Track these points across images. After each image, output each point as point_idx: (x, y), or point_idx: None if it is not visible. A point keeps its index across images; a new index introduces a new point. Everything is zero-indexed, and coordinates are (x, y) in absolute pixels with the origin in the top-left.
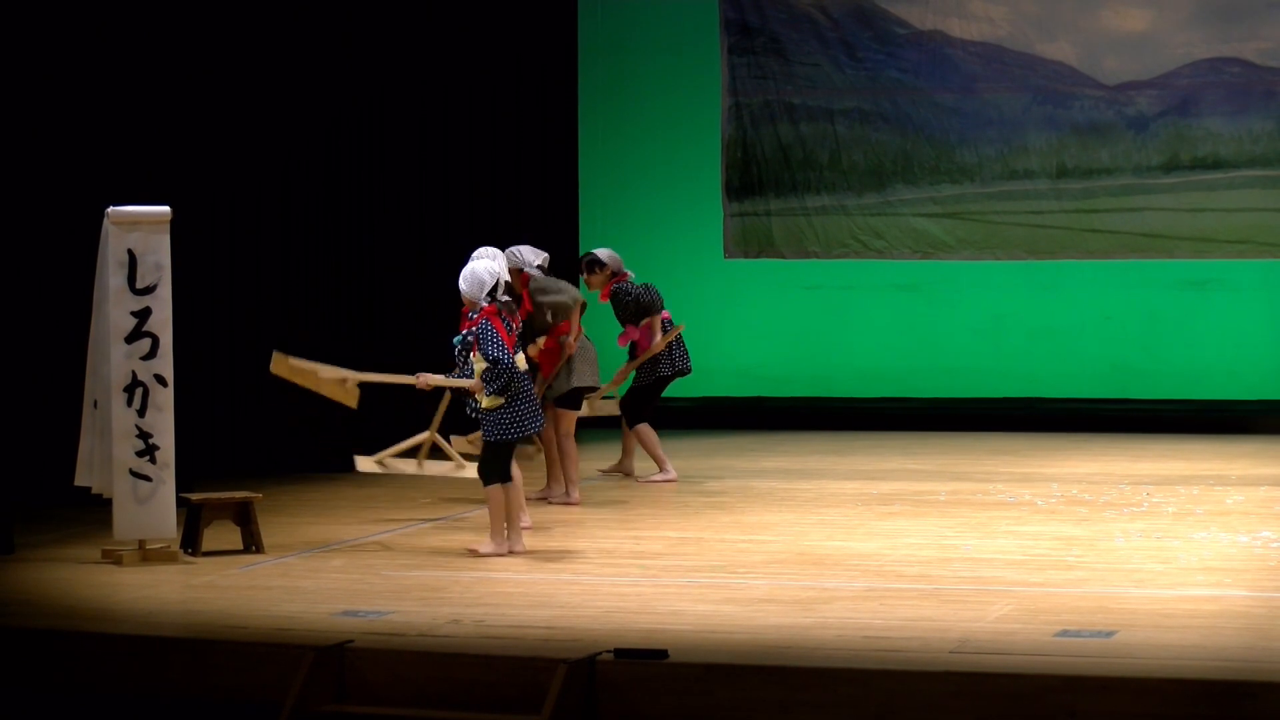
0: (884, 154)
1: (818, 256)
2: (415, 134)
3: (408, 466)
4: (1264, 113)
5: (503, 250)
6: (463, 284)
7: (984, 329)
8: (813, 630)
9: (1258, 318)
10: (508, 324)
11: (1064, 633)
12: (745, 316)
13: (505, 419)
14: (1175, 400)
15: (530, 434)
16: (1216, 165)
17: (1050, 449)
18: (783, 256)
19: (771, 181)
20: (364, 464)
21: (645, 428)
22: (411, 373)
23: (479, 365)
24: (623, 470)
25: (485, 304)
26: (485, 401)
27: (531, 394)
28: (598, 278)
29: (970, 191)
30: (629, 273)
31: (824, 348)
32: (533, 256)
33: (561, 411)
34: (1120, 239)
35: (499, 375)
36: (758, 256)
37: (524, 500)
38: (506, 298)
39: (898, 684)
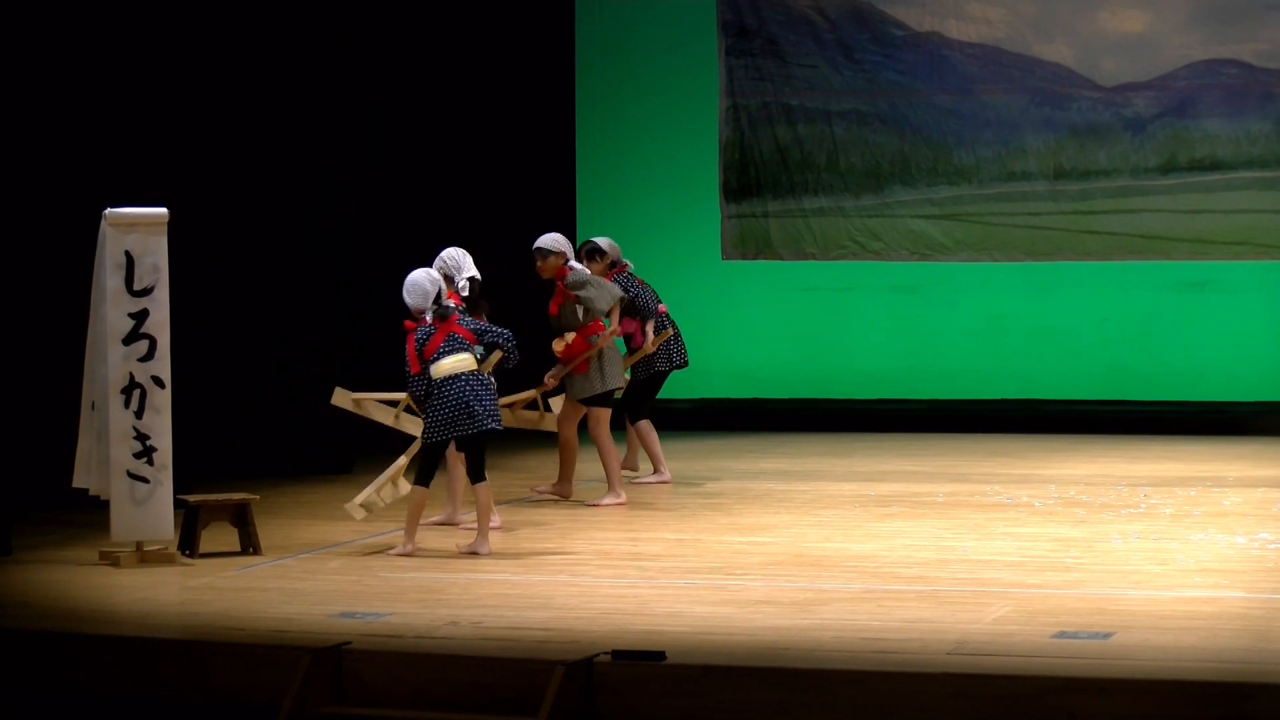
0: (881, 156)
1: (815, 258)
2: (415, 134)
3: (384, 415)
4: (1261, 114)
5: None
6: (407, 297)
7: (982, 330)
8: (810, 632)
9: (1255, 319)
10: (424, 335)
11: (1062, 634)
12: (743, 318)
13: (434, 421)
14: (1173, 402)
15: (463, 435)
16: (1214, 167)
17: (1048, 450)
18: (780, 258)
19: (769, 183)
20: (340, 398)
21: (647, 425)
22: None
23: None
24: (628, 466)
25: (430, 313)
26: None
27: (461, 398)
28: (598, 266)
29: (968, 193)
30: (628, 263)
31: (822, 349)
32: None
33: (595, 410)
34: (1118, 240)
35: (412, 390)
36: (755, 258)
37: (491, 502)
38: (449, 303)
39: (895, 685)
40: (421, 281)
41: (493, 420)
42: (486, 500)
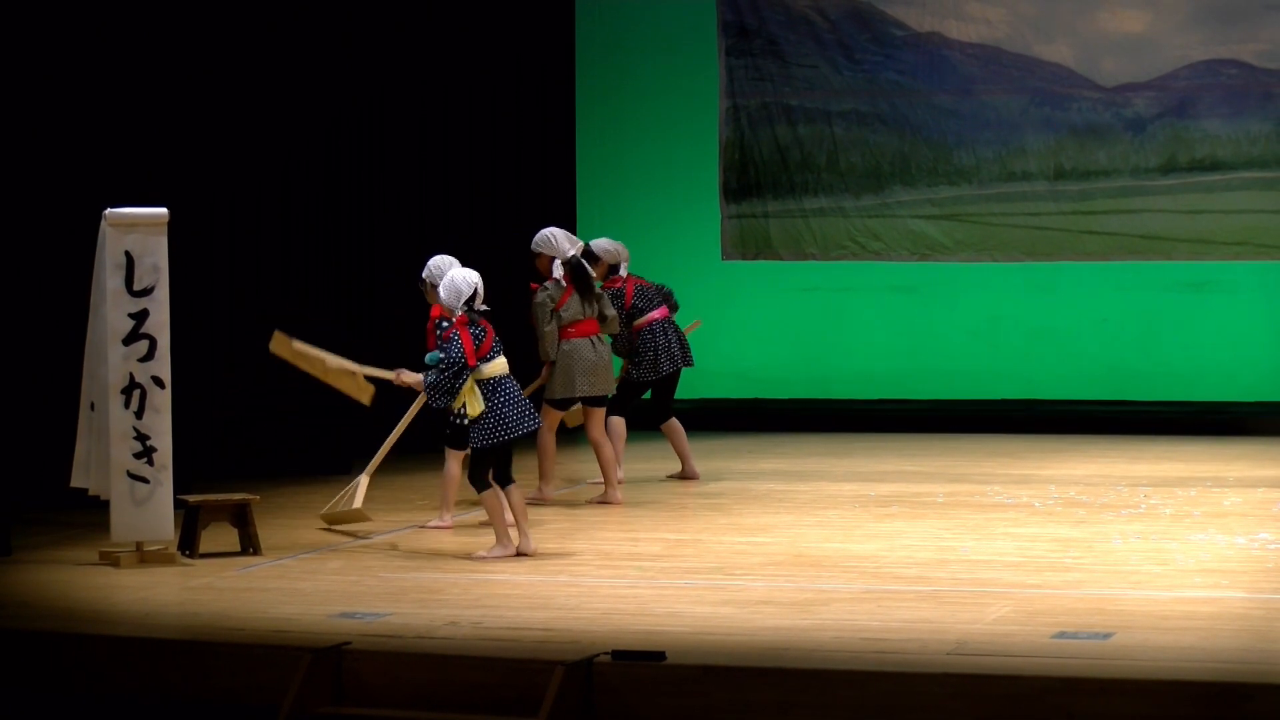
0: (882, 156)
1: (815, 258)
2: (415, 134)
3: (317, 367)
4: (1261, 114)
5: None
6: (442, 292)
7: (982, 331)
8: (810, 632)
9: (1255, 319)
10: (480, 331)
11: (1061, 634)
12: (743, 318)
13: (488, 425)
14: (1173, 402)
15: (520, 435)
16: (1214, 167)
17: (1048, 451)
18: (780, 258)
19: (769, 183)
20: (279, 345)
21: (601, 433)
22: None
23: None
24: (686, 475)
25: (460, 312)
26: (471, 409)
27: (515, 398)
28: (596, 270)
29: (968, 193)
30: (621, 277)
31: (822, 349)
32: (568, 245)
33: (545, 408)
34: (1118, 241)
35: (443, 372)
36: (755, 258)
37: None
38: (485, 306)
39: (895, 685)
40: (458, 281)
41: (534, 421)
42: (520, 501)
